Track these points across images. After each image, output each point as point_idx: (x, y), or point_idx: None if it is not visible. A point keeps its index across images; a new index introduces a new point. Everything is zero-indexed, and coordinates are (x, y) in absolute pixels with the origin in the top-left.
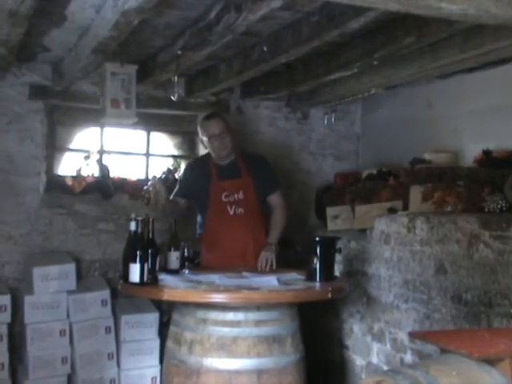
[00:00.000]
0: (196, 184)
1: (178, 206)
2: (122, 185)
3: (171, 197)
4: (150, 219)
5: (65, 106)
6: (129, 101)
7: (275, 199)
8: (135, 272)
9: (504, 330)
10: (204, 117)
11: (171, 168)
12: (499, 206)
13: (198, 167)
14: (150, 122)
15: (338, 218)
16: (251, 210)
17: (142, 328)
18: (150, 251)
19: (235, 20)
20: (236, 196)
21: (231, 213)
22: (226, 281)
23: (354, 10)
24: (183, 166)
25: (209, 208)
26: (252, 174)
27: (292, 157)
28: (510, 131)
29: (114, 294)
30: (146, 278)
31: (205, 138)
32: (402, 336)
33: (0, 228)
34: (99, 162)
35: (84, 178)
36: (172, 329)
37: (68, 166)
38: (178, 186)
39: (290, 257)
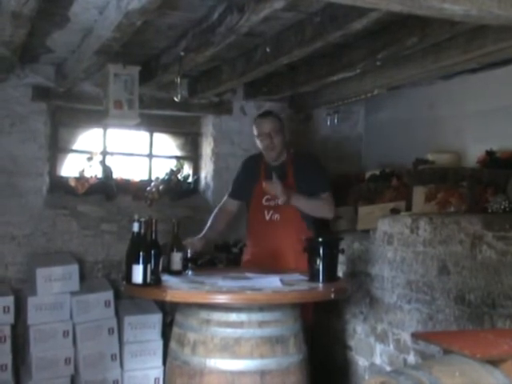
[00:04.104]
0: (245, 183)
1: (217, 232)
2: (125, 186)
3: (225, 197)
4: (153, 220)
5: (68, 107)
6: (132, 102)
7: (322, 198)
8: (138, 273)
9: (507, 331)
10: (258, 115)
11: (174, 169)
12: (502, 207)
13: (249, 166)
14: (153, 123)
15: (341, 219)
16: (289, 216)
17: (145, 329)
18: (152, 252)
19: (238, 21)
20: (276, 201)
21: (267, 218)
22: (229, 282)
23: (357, 11)
24: (186, 166)
25: (250, 210)
26: (298, 178)
27: None
28: None
29: (117, 295)
30: (148, 279)
31: (256, 136)
32: (405, 337)
33: (3, 229)
34: (102, 163)
35: (87, 179)
36: (175, 330)
37: (71, 167)
38: (231, 186)
39: None
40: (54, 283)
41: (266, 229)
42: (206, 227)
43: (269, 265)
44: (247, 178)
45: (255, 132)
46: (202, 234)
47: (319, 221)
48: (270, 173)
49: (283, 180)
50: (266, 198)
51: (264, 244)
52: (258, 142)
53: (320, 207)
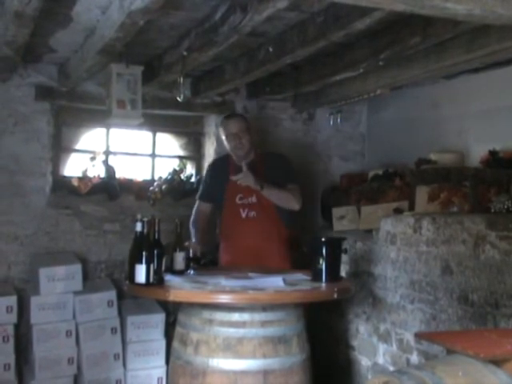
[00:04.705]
0: (214, 185)
1: (204, 235)
2: (128, 185)
3: (197, 201)
4: (156, 220)
5: (71, 107)
6: (135, 101)
7: (289, 189)
8: (141, 273)
9: (510, 331)
10: (224, 116)
11: (177, 169)
12: (505, 207)
13: (217, 168)
14: (156, 123)
15: (343, 219)
16: (265, 213)
17: (148, 328)
18: (155, 252)
19: (241, 21)
20: (250, 199)
21: (243, 216)
22: (232, 281)
23: (360, 11)
24: (189, 166)
25: (224, 210)
26: (269, 176)
27: (298, 157)
28: None
29: (120, 295)
30: (151, 279)
31: (223, 137)
32: (408, 337)
33: (6, 228)
34: (105, 162)
35: (90, 178)
36: (178, 329)
37: (74, 166)
38: (200, 189)
39: (296, 257)
40: (57, 283)
41: (243, 227)
42: (194, 234)
43: (252, 263)
44: (217, 179)
45: (223, 133)
46: (196, 241)
47: (295, 218)
48: (239, 173)
49: None
50: (239, 196)
51: (244, 242)
52: (225, 144)
53: (289, 198)
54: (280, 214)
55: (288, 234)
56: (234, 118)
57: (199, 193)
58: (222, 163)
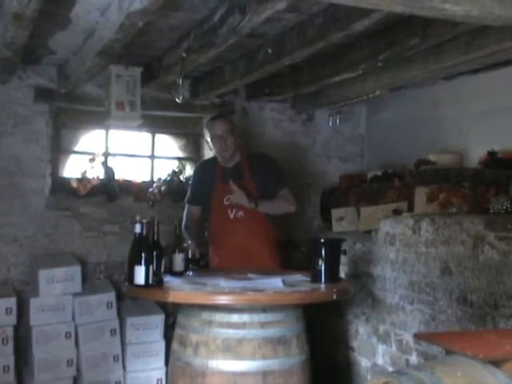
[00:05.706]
0: (202, 187)
1: (197, 237)
2: (127, 187)
3: (185, 205)
4: (155, 221)
5: (70, 109)
6: (134, 103)
7: (282, 196)
8: (140, 274)
9: (509, 331)
10: (209, 118)
11: (176, 170)
12: (504, 207)
13: (204, 170)
14: (155, 124)
15: (343, 220)
16: (252, 213)
17: (148, 330)
18: (154, 253)
19: (240, 22)
20: None
21: (231, 216)
22: (231, 283)
23: (359, 12)
24: (188, 167)
25: (212, 211)
26: (256, 176)
27: (297, 158)
28: None
29: (120, 296)
30: (151, 280)
31: (209, 139)
32: (408, 337)
33: (6, 230)
34: (104, 164)
35: (89, 180)
36: (177, 331)
37: (73, 168)
38: (188, 193)
39: (295, 258)
40: (57, 284)
41: (232, 227)
42: (189, 237)
43: (241, 263)
44: (204, 182)
45: (208, 135)
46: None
47: (280, 218)
48: (226, 175)
49: (240, 180)
50: (226, 197)
51: (232, 243)
52: (211, 146)
53: (283, 206)
54: (267, 214)
55: (276, 233)
56: (219, 120)
57: (188, 196)
58: (208, 166)
